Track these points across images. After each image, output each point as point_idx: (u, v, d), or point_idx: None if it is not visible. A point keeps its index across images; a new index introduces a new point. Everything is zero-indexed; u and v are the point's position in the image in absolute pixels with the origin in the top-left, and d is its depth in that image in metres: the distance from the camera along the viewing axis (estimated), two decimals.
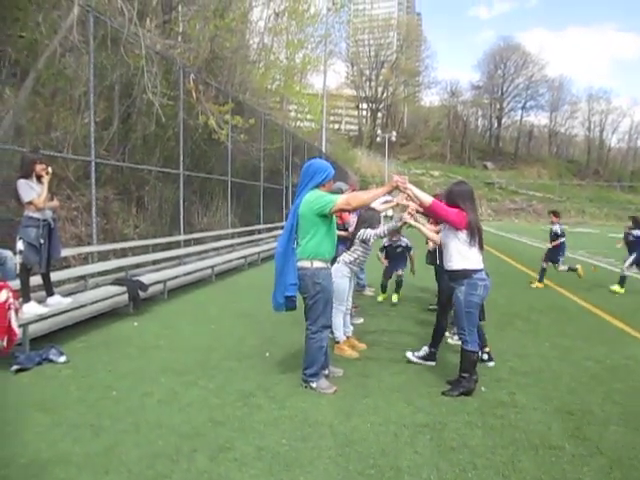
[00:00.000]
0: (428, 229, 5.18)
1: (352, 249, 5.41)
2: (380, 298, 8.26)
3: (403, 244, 7.94)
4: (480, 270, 4.22)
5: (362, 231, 5.29)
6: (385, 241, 7.87)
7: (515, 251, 17.79)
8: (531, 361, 5.15)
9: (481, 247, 4.26)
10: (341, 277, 5.34)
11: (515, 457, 3.17)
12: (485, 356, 4.96)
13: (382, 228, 5.31)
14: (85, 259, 8.05)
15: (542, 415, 3.82)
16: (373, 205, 5.12)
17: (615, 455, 3.22)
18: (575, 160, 73.94)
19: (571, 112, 75.14)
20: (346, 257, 5.40)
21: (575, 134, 76.94)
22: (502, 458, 3.16)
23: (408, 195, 4.40)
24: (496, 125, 74.52)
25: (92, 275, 7.47)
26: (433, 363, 4.96)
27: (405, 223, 5.00)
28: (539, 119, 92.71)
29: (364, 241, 5.34)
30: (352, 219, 6.06)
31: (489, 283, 4.30)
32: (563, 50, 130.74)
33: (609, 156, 74.01)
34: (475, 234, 4.19)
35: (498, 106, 73.53)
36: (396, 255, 8.03)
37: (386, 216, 8.38)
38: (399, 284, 8.13)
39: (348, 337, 5.54)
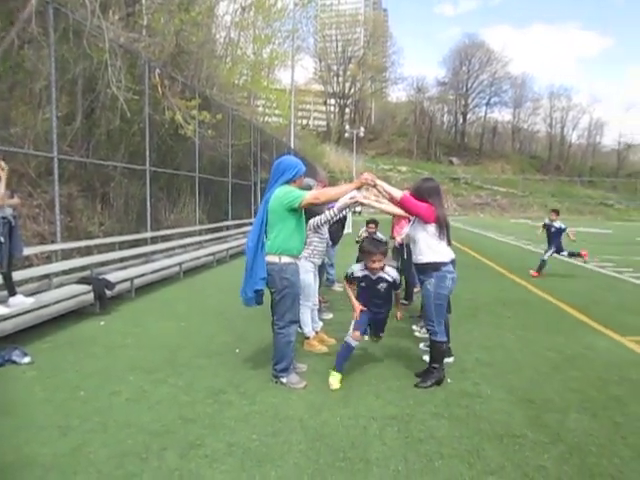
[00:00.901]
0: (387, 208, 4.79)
1: (307, 241, 5.39)
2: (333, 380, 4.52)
3: (389, 278, 4.48)
4: (448, 263, 4.33)
5: (311, 220, 5.26)
6: (358, 269, 4.53)
7: (481, 245, 18.15)
8: (495, 352, 5.30)
9: (449, 242, 4.38)
10: (304, 272, 5.33)
11: (480, 446, 3.27)
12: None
13: (332, 211, 5.15)
14: (48, 258, 7.86)
15: (505, 405, 3.94)
16: (340, 201, 5.14)
17: (574, 442, 3.35)
18: (537, 156, 75.87)
19: (533, 109, 77.19)
20: (304, 252, 5.39)
21: (537, 130, 79.08)
22: (467, 447, 3.25)
23: (378, 191, 4.47)
24: (461, 121, 75.82)
25: (56, 274, 7.31)
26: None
27: (357, 202, 4.75)
28: (503, 115, 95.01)
29: (316, 230, 5.34)
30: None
31: (456, 276, 4.42)
32: (526, 47, 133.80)
33: (570, 152, 76.20)
34: (443, 228, 4.31)
35: (463, 102, 74.81)
36: (376, 294, 4.52)
37: (354, 212, 8.42)
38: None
39: (317, 332, 5.58)
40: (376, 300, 4.51)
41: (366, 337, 4.69)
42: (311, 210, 5.31)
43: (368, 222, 8.32)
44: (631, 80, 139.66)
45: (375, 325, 4.64)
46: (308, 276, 5.38)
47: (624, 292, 9.14)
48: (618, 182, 67.29)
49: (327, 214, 5.17)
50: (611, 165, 73.92)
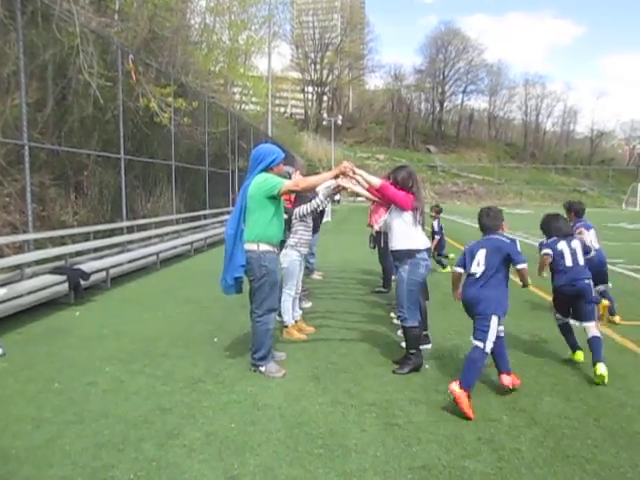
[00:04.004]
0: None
1: (293, 230, 5.39)
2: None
3: None
4: (423, 250, 4.36)
5: (297, 209, 5.24)
6: None
7: (459, 233, 18.33)
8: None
9: (422, 226, 4.42)
10: (290, 262, 5.35)
11: (457, 430, 3.32)
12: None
13: (316, 199, 5.09)
14: (20, 248, 7.70)
15: (482, 389, 4.00)
16: (319, 189, 5.12)
17: (548, 424, 3.42)
18: (513, 143, 76.71)
19: (509, 96, 77.80)
20: (290, 240, 5.39)
21: (513, 118, 79.81)
22: (445, 432, 3.29)
23: (357, 180, 4.47)
24: (438, 109, 76.06)
25: (29, 264, 7.15)
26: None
27: (339, 186, 4.64)
28: (479, 103, 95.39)
29: (302, 219, 5.33)
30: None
31: (430, 263, 4.47)
32: (502, 35, 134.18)
33: (544, 139, 77.24)
34: (419, 215, 4.33)
35: (440, 90, 75.01)
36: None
37: (334, 201, 8.42)
38: None
39: (296, 321, 5.58)
40: None
41: None
42: (300, 198, 5.29)
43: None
44: (603, 68, 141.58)
45: None
46: (293, 265, 5.38)
47: None
48: (591, 169, 68.54)
49: (313, 203, 5.13)
50: (584, 152, 75.21)
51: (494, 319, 3.79)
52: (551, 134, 79.11)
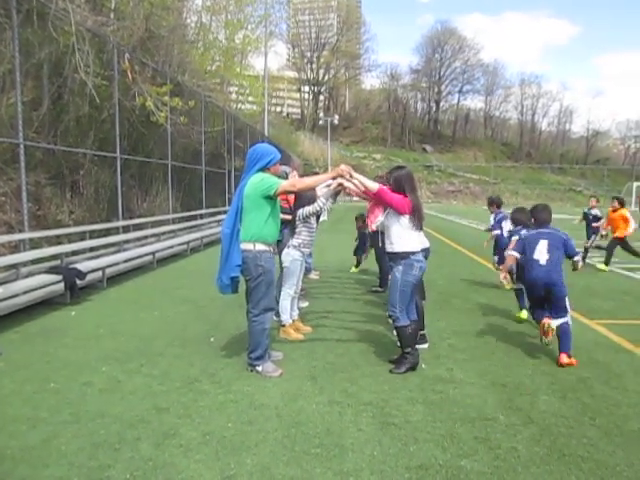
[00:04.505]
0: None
1: (297, 231, 5.42)
2: None
3: None
4: (418, 252, 4.38)
5: (300, 211, 5.24)
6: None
7: (455, 233, 18.35)
8: (468, 338, 5.38)
9: (420, 228, 4.43)
10: (292, 261, 5.36)
11: (453, 430, 3.32)
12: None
13: (319, 202, 4.99)
14: (16, 247, 7.67)
15: (478, 389, 4.01)
16: (318, 191, 5.12)
17: (545, 423, 3.43)
18: (509, 143, 76.90)
19: (505, 96, 77.99)
20: (294, 241, 5.41)
21: (509, 118, 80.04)
22: (441, 431, 3.30)
23: (354, 184, 4.46)
24: (434, 109, 76.13)
25: (24, 264, 7.12)
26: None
27: (340, 185, 4.53)
28: (475, 103, 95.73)
29: (305, 220, 5.34)
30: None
31: (424, 265, 4.49)
32: (498, 35, 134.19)
33: (540, 139, 77.44)
34: (416, 218, 4.35)
35: (436, 90, 75.07)
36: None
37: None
38: None
39: (294, 320, 5.58)
40: None
41: None
42: (301, 200, 5.28)
43: (357, 218, 8.41)
44: (598, 68, 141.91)
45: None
46: (295, 264, 5.39)
47: (592, 276, 9.36)
48: (586, 169, 68.78)
49: (315, 205, 5.11)
50: (580, 152, 75.45)
51: (566, 299, 4.70)
52: (547, 134, 79.32)
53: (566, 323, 4.62)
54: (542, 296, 4.78)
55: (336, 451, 3.04)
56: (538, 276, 4.71)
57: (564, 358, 4.52)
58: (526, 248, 4.85)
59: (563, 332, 4.58)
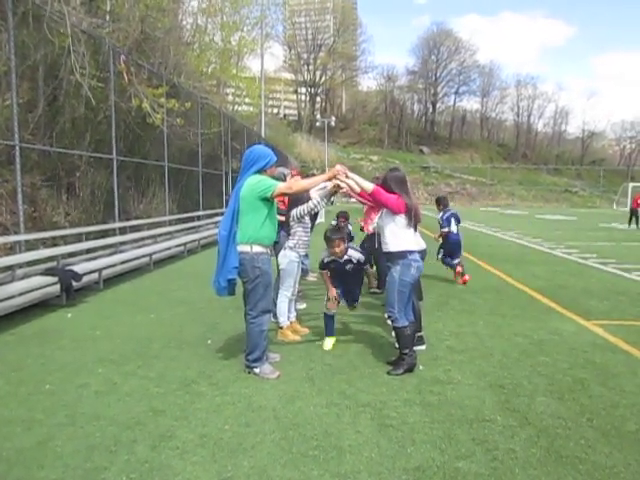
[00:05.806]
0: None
1: (292, 232, 5.41)
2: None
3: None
4: (415, 252, 4.39)
5: (294, 211, 5.22)
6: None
7: None
8: (466, 339, 5.37)
9: (415, 228, 4.45)
10: (289, 262, 5.35)
11: (451, 431, 3.31)
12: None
13: (313, 200, 4.99)
14: (11, 249, 7.64)
15: (476, 390, 4.01)
16: (312, 192, 5.11)
17: (542, 425, 3.42)
18: (505, 144, 77.09)
19: (501, 97, 78.23)
20: (289, 242, 5.40)
21: (505, 119, 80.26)
22: (439, 433, 3.29)
23: (349, 185, 4.46)
24: (431, 110, 76.28)
25: (20, 265, 7.10)
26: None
27: (337, 185, 4.50)
28: (471, 104, 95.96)
29: (300, 220, 5.32)
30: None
31: (422, 265, 4.50)
32: (494, 36, 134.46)
33: (536, 140, 77.64)
34: (412, 218, 4.35)
35: (432, 91, 75.25)
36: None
37: (328, 202, 8.37)
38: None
39: (291, 322, 5.57)
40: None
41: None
42: (294, 200, 5.26)
43: (339, 215, 8.36)
44: (594, 68, 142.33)
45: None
46: (292, 266, 5.37)
47: (589, 277, 9.38)
48: (582, 170, 68.97)
49: (309, 204, 5.09)
50: (575, 153, 75.69)
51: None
52: (543, 135, 79.54)
53: None
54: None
55: (334, 453, 3.03)
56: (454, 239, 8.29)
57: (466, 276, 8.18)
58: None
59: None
